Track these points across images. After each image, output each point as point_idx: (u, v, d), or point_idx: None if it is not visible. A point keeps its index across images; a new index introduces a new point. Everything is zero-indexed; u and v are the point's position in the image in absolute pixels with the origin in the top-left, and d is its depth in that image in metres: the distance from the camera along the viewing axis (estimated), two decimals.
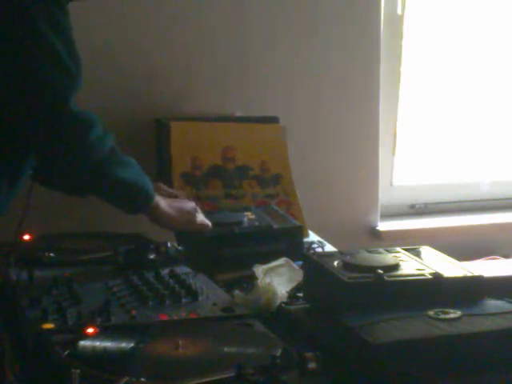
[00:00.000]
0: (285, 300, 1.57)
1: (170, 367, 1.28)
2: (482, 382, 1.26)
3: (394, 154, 3.02)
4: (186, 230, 2.02)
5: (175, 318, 1.51)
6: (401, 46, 2.94)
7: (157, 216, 1.95)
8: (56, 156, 1.83)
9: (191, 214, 1.99)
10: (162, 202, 1.96)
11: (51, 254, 1.89)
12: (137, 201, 1.92)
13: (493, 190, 3.17)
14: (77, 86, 1.81)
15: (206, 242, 1.94)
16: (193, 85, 2.59)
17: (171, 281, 1.70)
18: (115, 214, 2.48)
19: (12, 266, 1.80)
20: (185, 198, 2.11)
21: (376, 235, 2.89)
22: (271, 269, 1.71)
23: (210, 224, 2.00)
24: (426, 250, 1.60)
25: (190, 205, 2.03)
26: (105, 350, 1.33)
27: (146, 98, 2.54)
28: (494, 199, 3.17)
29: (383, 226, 2.91)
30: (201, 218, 2.01)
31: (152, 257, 1.88)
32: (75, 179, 1.86)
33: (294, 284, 1.65)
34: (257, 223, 2.00)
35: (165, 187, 2.13)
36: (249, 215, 2.05)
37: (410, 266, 1.48)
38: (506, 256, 2.28)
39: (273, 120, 2.54)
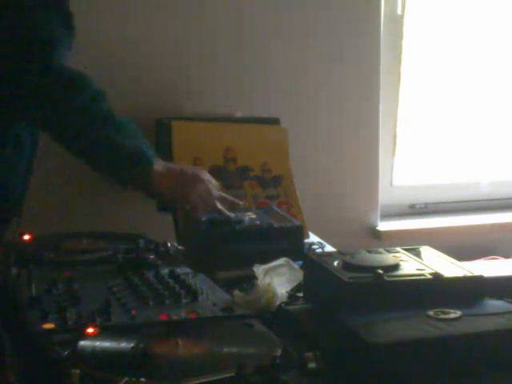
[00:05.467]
0: (285, 300, 1.57)
1: (170, 367, 1.27)
2: (482, 382, 1.26)
3: (393, 154, 3.02)
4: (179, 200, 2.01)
5: (175, 318, 1.50)
6: (401, 45, 2.94)
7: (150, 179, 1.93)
8: (44, 114, 1.86)
9: (192, 186, 1.97)
10: (159, 165, 1.95)
11: (51, 254, 1.89)
12: (134, 166, 1.91)
13: (492, 189, 3.17)
14: (63, 40, 1.84)
15: (206, 238, 1.94)
16: (194, 85, 2.59)
17: (171, 281, 1.69)
18: (115, 213, 2.49)
19: (12, 266, 1.80)
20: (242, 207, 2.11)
21: (376, 235, 2.89)
22: (271, 269, 1.71)
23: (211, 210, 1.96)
24: (425, 250, 1.60)
25: (202, 176, 2.00)
26: (105, 350, 1.33)
27: (146, 97, 2.54)
28: (494, 199, 3.17)
29: (383, 225, 2.91)
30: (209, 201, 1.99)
31: (152, 257, 1.87)
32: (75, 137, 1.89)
33: (293, 284, 1.65)
34: (258, 222, 2.00)
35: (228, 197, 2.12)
36: (250, 215, 2.05)
37: (410, 265, 1.48)
38: (506, 256, 2.29)
39: (274, 121, 2.54)
